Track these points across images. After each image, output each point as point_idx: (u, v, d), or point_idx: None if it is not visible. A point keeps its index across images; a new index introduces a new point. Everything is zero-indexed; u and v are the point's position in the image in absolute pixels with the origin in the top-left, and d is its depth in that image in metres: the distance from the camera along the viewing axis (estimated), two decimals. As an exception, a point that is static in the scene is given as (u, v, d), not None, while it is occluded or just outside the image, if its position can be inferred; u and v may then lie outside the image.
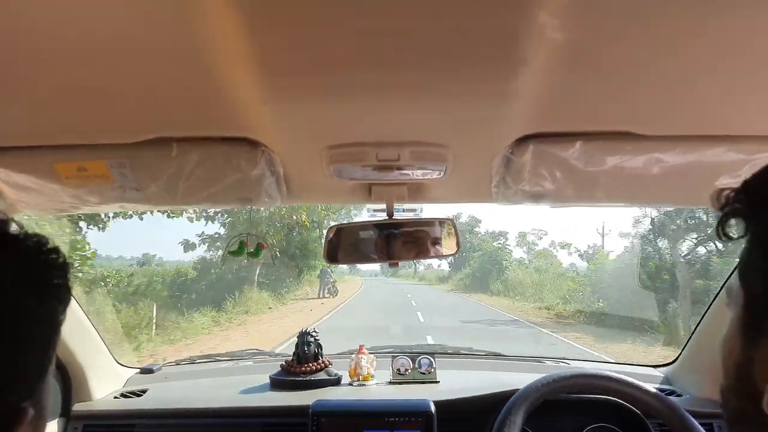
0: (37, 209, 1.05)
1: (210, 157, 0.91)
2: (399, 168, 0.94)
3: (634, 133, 0.84)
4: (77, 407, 1.50)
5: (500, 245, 32.13)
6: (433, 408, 1.31)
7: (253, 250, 1.11)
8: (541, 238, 37.13)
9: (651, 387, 1.16)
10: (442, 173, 0.96)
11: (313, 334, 1.68)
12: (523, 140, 0.87)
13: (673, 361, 1.64)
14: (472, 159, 0.93)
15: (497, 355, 1.93)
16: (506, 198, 1.05)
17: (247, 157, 0.91)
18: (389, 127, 0.85)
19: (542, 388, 1.16)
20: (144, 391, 1.60)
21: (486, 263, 28.98)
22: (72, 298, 1.41)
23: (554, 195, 1.00)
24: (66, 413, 1.49)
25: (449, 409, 1.37)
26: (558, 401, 1.20)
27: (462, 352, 1.97)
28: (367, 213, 1.27)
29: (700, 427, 1.08)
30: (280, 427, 1.41)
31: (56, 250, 0.52)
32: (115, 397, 1.58)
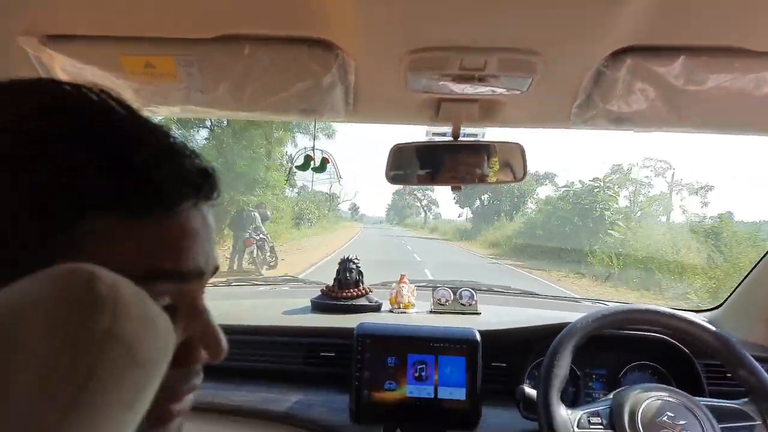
0: None
1: (282, 59, 0.86)
2: (482, 79, 0.88)
3: (744, 48, 0.77)
4: None
5: (598, 185, 17.51)
6: (478, 336, 1.32)
7: (318, 165, 1.08)
8: (660, 175, 20.62)
9: (709, 324, 1.14)
10: (525, 86, 0.90)
11: (355, 261, 1.68)
12: (621, 53, 0.81)
13: (718, 307, 1.62)
14: (562, 71, 0.86)
15: (534, 294, 1.93)
16: (585, 121, 1.00)
17: (321, 62, 0.86)
18: (480, 29, 0.78)
19: (595, 322, 1.15)
20: None
21: (566, 214, 16.94)
22: None
23: (641, 117, 0.94)
24: None
25: (493, 338, 1.37)
26: (601, 337, 1.19)
27: (497, 289, 1.98)
28: (426, 137, 1.22)
29: (758, 365, 1.07)
30: (324, 347, 1.43)
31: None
32: None
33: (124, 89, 0.91)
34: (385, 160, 1.09)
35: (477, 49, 0.81)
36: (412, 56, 0.84)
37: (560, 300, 1.87)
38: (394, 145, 1.09)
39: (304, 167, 1.06)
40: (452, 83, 0.91)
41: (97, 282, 0.33)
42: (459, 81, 0.90)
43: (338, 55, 0.85)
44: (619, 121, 0.97)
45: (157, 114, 1.03)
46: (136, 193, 0.38)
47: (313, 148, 1.07)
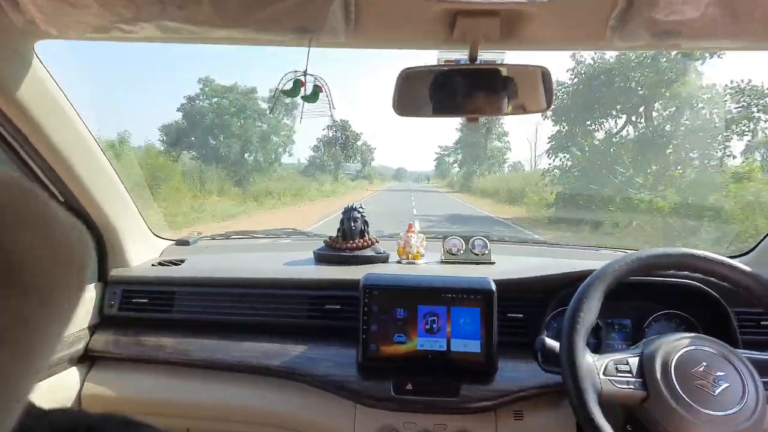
0: (62, 27, 0.88)
1: None
2: None
3: None
4: (115, 272, 1.44)
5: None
6: (493, 286, 1.22)
7: (310, 93, 0.94)
8: None
9: (750, 269, 1.04)
10: None
11: (360, 209, 1.57)
12: None
13: (747, 252, 1.51)
14: None
15: (551, 244, 1.83)
16: (624, 36, 0.86)
17: None
18: None
19: (624, 266, 1.04)
20: (182, 261, 1.54)
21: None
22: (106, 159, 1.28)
23: (692, 29, 0.81)
24: (103, 277, 1.43)
25: (509, 288, 1.28)
26: (625, 285, 1.08)
27: (508, 238, 1.88)
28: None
29: None
30: (329, 300, 1.34)
31: None
32: (153, 265, 1.52)
33: (88, 2, 0.78)
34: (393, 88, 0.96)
35: None
36: None
37: (578, 249, 1.77)
38: (403, 70, 0.96)
39: (292, 93, 0.92)
40: None
41: None
42: None
43: None
44: (664, 34, 0.83)
45: (131, 37, 0.90)
46: None
47: (305, 73, 0.93)
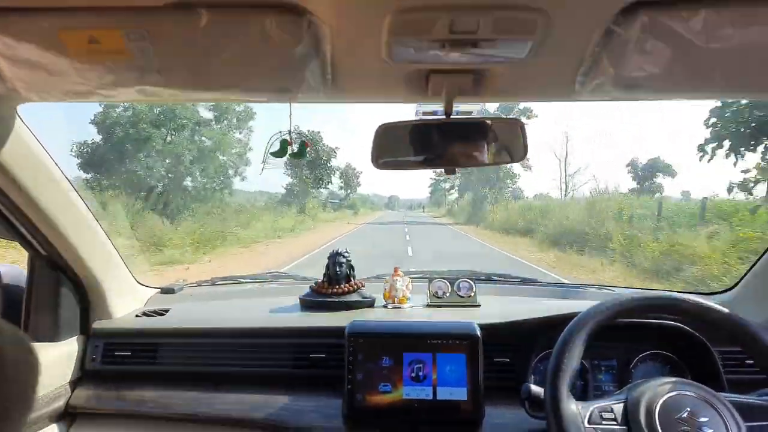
0: (43, 93, 0.89)
1: (246, 29, 0.75)
2: (473, 44, 0.77)
3: None
4: (97, 325, 1.42)
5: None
6: (478, 331, 1.22)
7: (297, 151, 0.96)
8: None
9: (727, 310, 1.05)
10: (524, 52, 0.80)
11: (345, 254, 1.57)
12: (634, 7, 0.70)
13: (729, 289, 1.53)
14: (566, 32, 0.76)
15: (535, 282, 1.83)
16: (592, 90, 0.89)
17: (291, 29, 0.75)
18: None
19: (610, 309, 1.05)
20: (166, 311, 1.52)
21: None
22: (89, 211, 1.28)
23: (655, 83, 0.84)
24: (85, 330, 1.41)
25: (495, 332, 1.28)
26: (610, 326, 1.09)
27: (496, 277, 1.88)
28: (416, 116, 1.11)
29: None
30: (314, 348, 1.33)
31: None
32: (137, 316, 1.50)
33: (68, 71, 0.80)
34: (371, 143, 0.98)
35: (469, 8, 0.70)
36: (394, 19, 0.73)
37: (563, 288, 1.77)
38: (380, 126, 0.98)
39: (280, 153, 0.95)
40: (441, 51, 0.80)
41: None
42: (449, 48, 0.79)
43: (310, 22, 0.74)
44: (630, 88, 0.87)
45: (111, 99, 0.91)
46: None
47: (290, 132, 0.95)
